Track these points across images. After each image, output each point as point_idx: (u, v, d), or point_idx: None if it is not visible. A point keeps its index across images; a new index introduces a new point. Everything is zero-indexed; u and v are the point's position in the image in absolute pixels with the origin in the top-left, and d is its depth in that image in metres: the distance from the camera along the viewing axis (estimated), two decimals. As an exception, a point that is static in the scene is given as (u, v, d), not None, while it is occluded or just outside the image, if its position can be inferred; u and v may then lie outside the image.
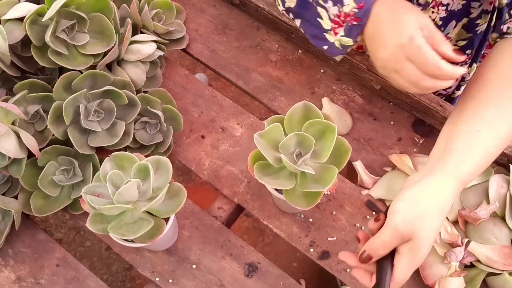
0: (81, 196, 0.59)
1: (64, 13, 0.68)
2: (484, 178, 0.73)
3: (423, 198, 0.52)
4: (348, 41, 0.62)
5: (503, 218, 0.70)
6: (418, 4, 0.71)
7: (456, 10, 0.72)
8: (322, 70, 0.87)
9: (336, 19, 0.61)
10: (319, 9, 0.63)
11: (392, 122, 0.82)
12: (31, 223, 0.74)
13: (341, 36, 0.62)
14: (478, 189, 0.72)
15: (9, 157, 0.65)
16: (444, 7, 0.71)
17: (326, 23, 0.63)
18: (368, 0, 0.58)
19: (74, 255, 0.73)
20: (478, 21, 0.75)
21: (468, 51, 0.80)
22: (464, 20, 0.75)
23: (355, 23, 0.60)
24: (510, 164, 0.74)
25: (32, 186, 0.70)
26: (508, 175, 0.72)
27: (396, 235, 0.51)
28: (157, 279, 0.70)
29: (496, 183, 0.71)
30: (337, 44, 0.63)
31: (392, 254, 0.52)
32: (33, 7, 0.67)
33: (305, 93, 0.85)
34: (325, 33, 0.64)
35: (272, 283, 0.70)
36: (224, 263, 0.72)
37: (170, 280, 0.70)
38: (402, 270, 0.51)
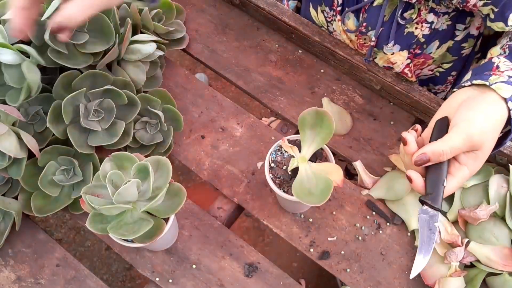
0: (81, 196, 0.59)
1: (64, 13, 0.68)
2: (484, 178, 0.73)
3: (491, 113, 0.50)
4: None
5: (503, 218, 0.70)
6: (403, 18, 0.71)
7: (440, 29, 0.73)
8: (322, 70, 0.87)
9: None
10: None
11: (392, 122, 0.82)
12: (31, 223, 0.74)
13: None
14: (478, 189, 0.72)
15: (10, 157, 0.65)
16: (428, 25, 0.72)
17: None
18: None
19: (74, 255, 0.73)
20: (463, 45, 0.76)
21: (453, 73, 0.83)
22: (450, 43, 0.76)
23: None
24: (510, 164, 0.74)
25: (32, 186, 0.70)
26: (508, 175, 0.72)
27: (468, 143, 0.49)
28: (157, 279, 0.70)
29: (496, 183, 0.71)
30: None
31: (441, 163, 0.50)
32: (33, 7, 0.67)
33: (305, 93, 0.84)
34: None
35: (272, 283, 0.70)
36: (224, 263, 0.72)
37: (170, 280, 0.70)
38: (461, 180, 0.49)
